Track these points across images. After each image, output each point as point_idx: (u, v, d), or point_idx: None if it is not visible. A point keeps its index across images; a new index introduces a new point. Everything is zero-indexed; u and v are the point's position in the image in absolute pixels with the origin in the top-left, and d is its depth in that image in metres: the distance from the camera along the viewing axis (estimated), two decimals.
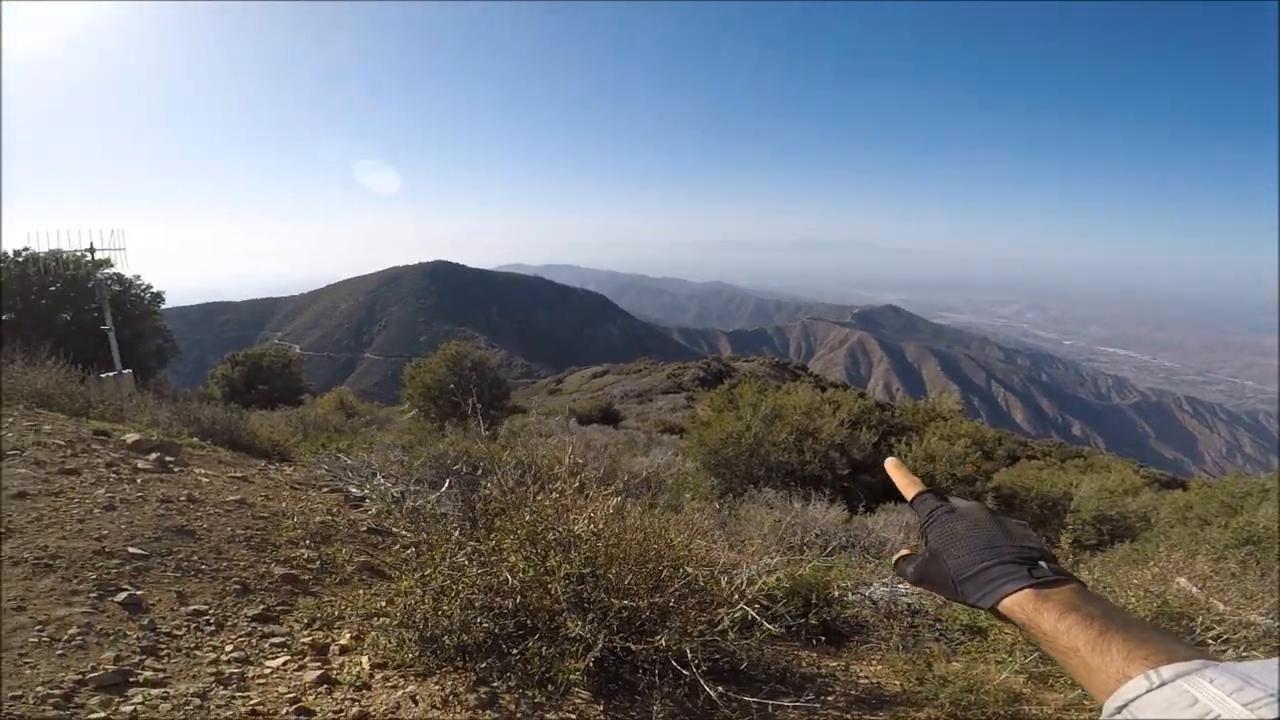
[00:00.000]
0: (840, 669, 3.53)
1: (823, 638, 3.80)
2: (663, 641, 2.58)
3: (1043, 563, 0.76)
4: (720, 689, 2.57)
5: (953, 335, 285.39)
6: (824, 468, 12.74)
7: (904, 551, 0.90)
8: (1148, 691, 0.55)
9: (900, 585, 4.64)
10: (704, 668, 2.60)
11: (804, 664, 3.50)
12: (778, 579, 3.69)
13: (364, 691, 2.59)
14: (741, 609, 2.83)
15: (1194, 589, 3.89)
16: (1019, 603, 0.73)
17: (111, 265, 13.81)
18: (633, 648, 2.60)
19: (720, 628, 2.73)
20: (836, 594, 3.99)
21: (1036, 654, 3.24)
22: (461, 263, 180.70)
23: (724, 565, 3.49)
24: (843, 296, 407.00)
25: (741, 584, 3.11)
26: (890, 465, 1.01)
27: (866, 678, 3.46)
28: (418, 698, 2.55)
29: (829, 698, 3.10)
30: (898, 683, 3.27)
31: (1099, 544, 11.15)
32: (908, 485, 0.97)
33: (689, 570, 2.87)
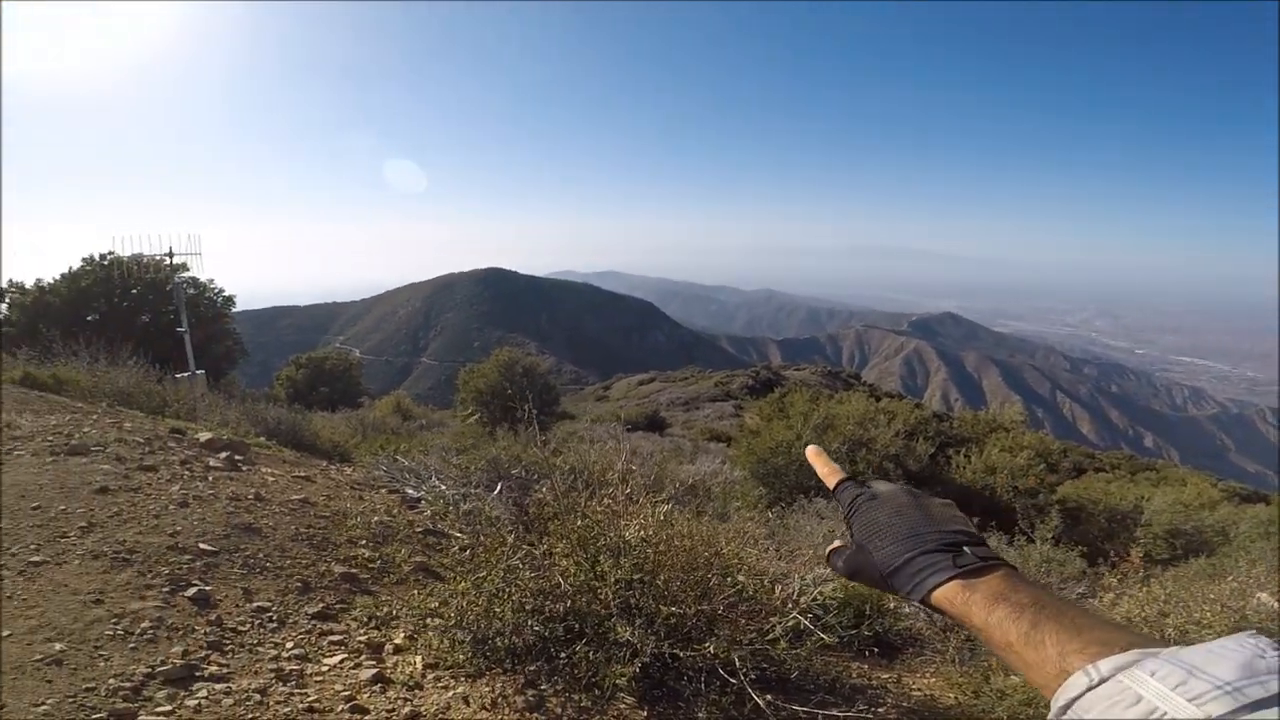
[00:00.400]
0: (892, 681, 3.46)
1: (875, 649, 3.75)
2: (711, 649, 2.57)
3: (967, 548, 0.69)
4: (768, 697, 2.53)
5: (1015, 344, 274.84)
6: (878, 478, 12.48)
7: (836, 544, 0.83)
8: (1088, 689, 0.50)
9: None
10: (751, 676, 2.58)
11: (855, 675, 3.44)
12: (832, 589, 3.63)
13: (416, 691, 2.63)
14: (794, 618, 2.80)
15: (1275, 603, 3.73)
16: (947, 595, 0.67)
17: (188, 269, 14.55)
18: (680, 654, 2.60)
19: (771, 636, 2.70)
20: (892, 605, 3.92)
21: None
22: (514, 269, 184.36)
23: (774, 575, 3.44)
24: (898, 304, 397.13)
25: (794, 593, 3.07)
26: (810, 453, 0.94)
27: (920, 690, 3.38)
28: (469, 698, 2.58)
29: (880, 709, 3.03)
30: (952, 695, 3.19)
31: (1171, 558, 10.61)
32: (829, 474, 0.90)
33: (740, 579, 2.85)
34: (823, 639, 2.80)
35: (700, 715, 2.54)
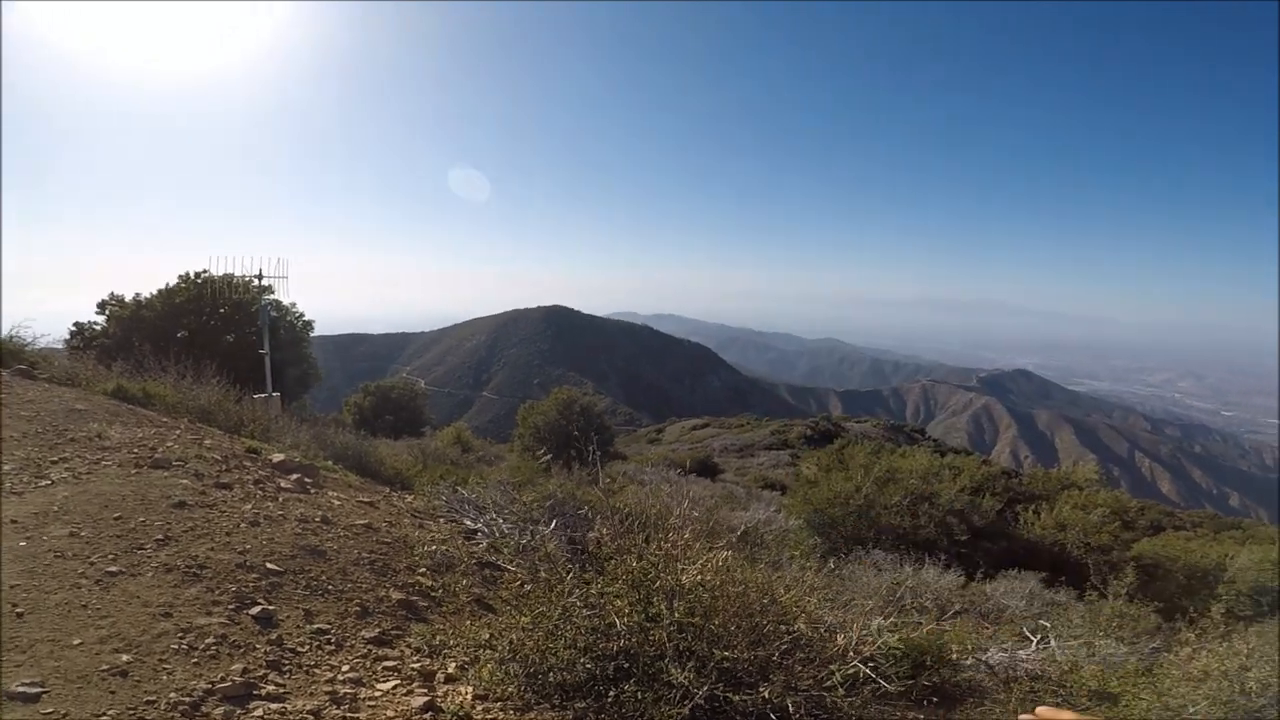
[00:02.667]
0: None
1: (934, 699, 3.59)
2: (766, 693, 2.55)
3: None
4: None
5: (1090, 403, 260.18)
6: (940, 533, 11.95)
7: None
8: None
9: (1020, 650, 4.47)
10: None
11: None
12: (891, 639, 3.56)
13: None
14: (855, 665, 2.78)
15: None
16: None
17: (274, 292, 15.32)
18: (734, 698, 2.57)
19: (829, 684, 2.68)
20: (954, 656, 3.81)
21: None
22: (575, 308, 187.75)
23: (830, 624, 3.40)
24: (969, 359, 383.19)
25: (854, 641, 3.04)
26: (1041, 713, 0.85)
27: None
28: None
29: None
30: None
31: (1256, 615, 9.86)
32: None
33: (799, 627, 2.84)
34: (885, 687, 2.76)
35: None
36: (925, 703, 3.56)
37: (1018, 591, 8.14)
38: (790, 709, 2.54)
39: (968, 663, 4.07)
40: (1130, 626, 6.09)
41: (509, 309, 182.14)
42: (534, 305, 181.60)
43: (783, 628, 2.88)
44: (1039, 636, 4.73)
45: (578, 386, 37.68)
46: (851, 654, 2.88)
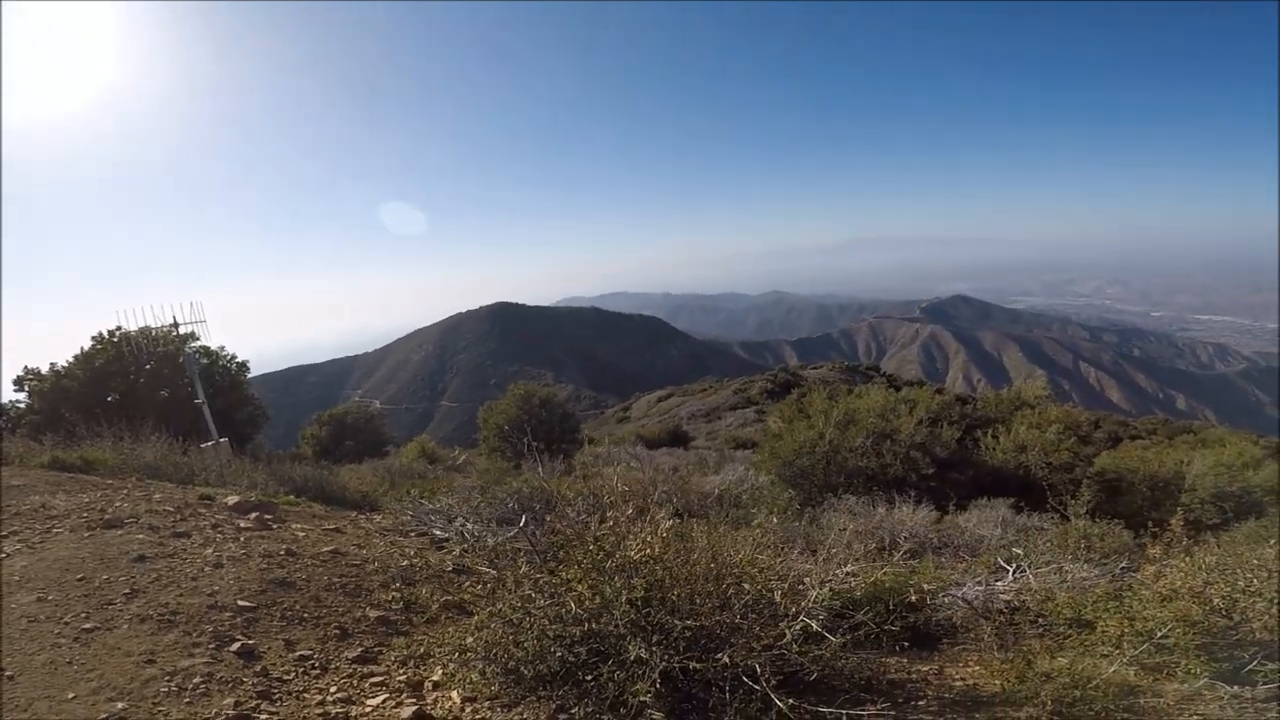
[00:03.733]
0: (933, 673, 3.41)
1: (906, 643, 3.64)
2: (727, 658, 2.59)
3: None
4: (791, 701, 2.54)
5: (1031, 319, 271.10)
6: (907, 469, 12.32)
7: None
8: None
9: (997, 581, 4.42)
10: (773, 681, 2.59)
11: (893, 670, 3.39)
12: (849, 587, 3.58)
13: None
14: (802, 621, 2.80)
15: None
16: None
17: (197, 339, 14.76)
18: (694, 666, 2.61)
19: (785, 640, 2.71)
20: (914, 598, 3.79)
21: (1148, 644, 3.05)
22: (520, 302, 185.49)
23: (795, 577, 3.40)
24: (907, 292, 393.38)
25: (810, 596, 3.05)
26: None
27: (961, 680, 3.32)
28: None
29: (920, 702, 3.00)
30: (996, 683, 3.11)
31: (1222, 523, 10.33)
32: None
33: (746, 587, 2.87)
34: (831, 640, 2.78)
35: None
36: (906, 646, 3.59)
37: (990, 520, 8.17)
38: (757, 670, 2.60)
39: (944, 600, 4.09)
40: (1099, 546, 6.18)
41: (451, 314, 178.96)
42: (477, 306, 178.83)
43: (745, 587, 2.90)
44: (1014, 566, 4.71)
45: (535, 379, 37.54)
46: (795, 609, 2.90)
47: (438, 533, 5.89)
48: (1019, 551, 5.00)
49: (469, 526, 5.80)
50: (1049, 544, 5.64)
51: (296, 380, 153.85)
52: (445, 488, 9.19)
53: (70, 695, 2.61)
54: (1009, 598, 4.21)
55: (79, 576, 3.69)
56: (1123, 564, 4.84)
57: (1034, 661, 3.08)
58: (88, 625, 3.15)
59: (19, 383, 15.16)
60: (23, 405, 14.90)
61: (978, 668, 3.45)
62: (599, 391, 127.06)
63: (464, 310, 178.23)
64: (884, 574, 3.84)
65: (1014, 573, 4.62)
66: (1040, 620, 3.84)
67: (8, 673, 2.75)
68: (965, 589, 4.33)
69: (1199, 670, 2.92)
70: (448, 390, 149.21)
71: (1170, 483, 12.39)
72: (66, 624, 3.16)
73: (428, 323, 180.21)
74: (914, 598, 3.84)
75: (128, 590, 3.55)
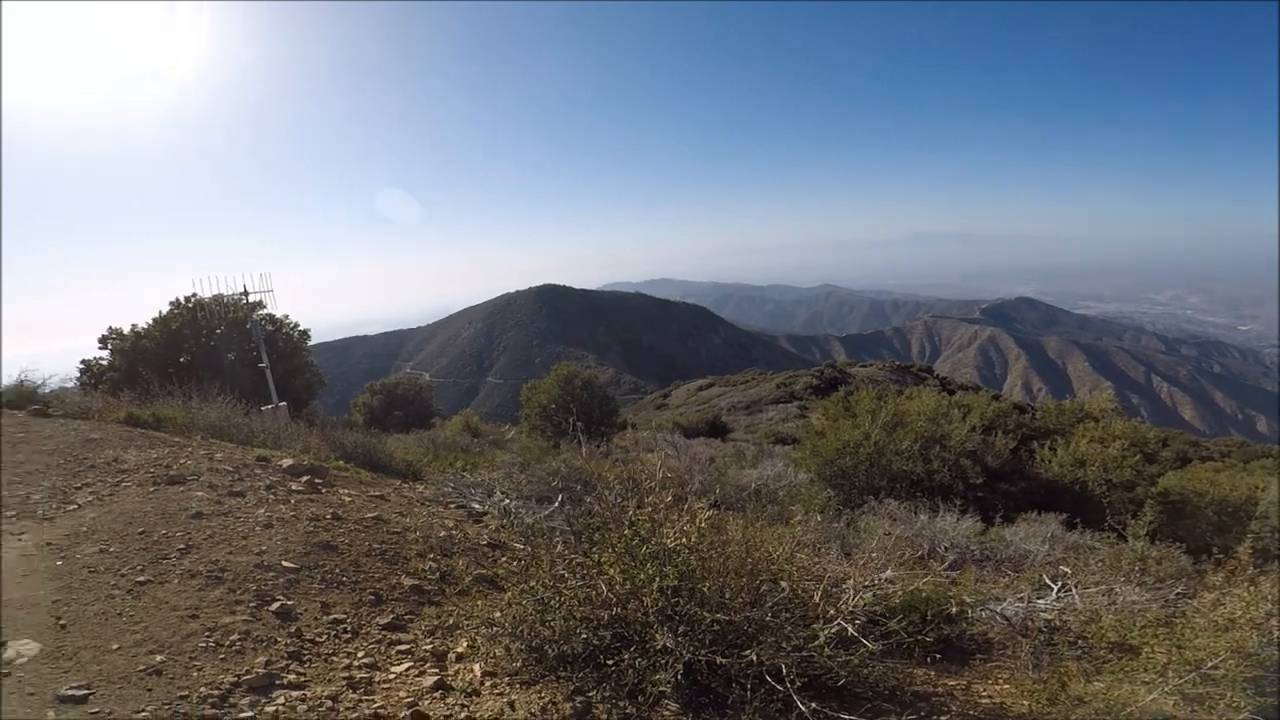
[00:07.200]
0: (960, 688, 3.33)
1: (938, 655, 3.59)
2: (754, 656, 2.58)
3: None
4: (814, 705, 2.53)
5: (1100, 326, 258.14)
6: (954, 477, 11.95)
7: None
8: None
9: (1040, 599, 4.30)
10: (798, 683, 2.57)
11: (919, 681, 3.33)
12: (886, 594, 3.54)
13: (474, 698, 2.79)
14: (838, 624, 2.77)
15: None
16: None
17: (264, 307, 15.54)
18: (720, 661, 2.61)
19: (817, 643, 2.68)
20: (955, 610, 3.73)
21: (1194, 673, 2.91)
22: (567, 285, 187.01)
23: (830, 579, 3.36)
24: (968, 291, 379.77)
25: (846, 599, 3.01)
26: None
27: (989, 697, 3.24)
28: (517, 705, 2.72)
29: (943, 717, 2.95)
30: (1025, 703, 3.03)
31: None
32: None
33: (784, 585, 2.85)
34: (868, 647, 2.74)
35: None
36: (935, 658, 3.54)
37: (1038, 535, 7.85)
38: (782, 670, 2.57)
39: (981, 614, 4.01)
40: (1154, 570, 5.82)
41: (500, 294, 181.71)
42: (525, 287, 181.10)
43: (782, 585, 2.89)
44: (1059, 584, 4.59)
45: (578, 361, 37.87)
46: (833, 612, 2.86)
47: (476, 506, 6.03)
48: (1066, 570, 4.83)
49: (507, 502, 5.93)
50: (1100, 564, 5.42)
51: (349, 350, 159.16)
52: (486, 462, 9.40)
53: (115, 646, 2.79)
54: (1050, 617, 4.08)
55: (140, 530, 3.93)
56: (1178, 590, 4.61)
57: (1069, 684, 2.98)
58: (141, 578, 3.35)
59: (103, 341, 16.14)
60: (105, 362, 15.86)
61: (1008, 686, 3.37)
62: (639, 376, 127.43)
63: (513, 290, 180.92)
64: (924, 583, 3.77)
65: (1058, 591, 4.47)
66: (1081, 642, 3.70)
67: (62, 621, 2.94)
68: (1005, 604, 4.22)
69: (1242, 704, 2.76)
70: (494, 367, 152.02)
71: (1241, 509, 11.65)
72: (123, 576, 3.37)
73: (479, 301, 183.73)
74: (954, 610, 3.77)
75: (182, 546, 3.76)
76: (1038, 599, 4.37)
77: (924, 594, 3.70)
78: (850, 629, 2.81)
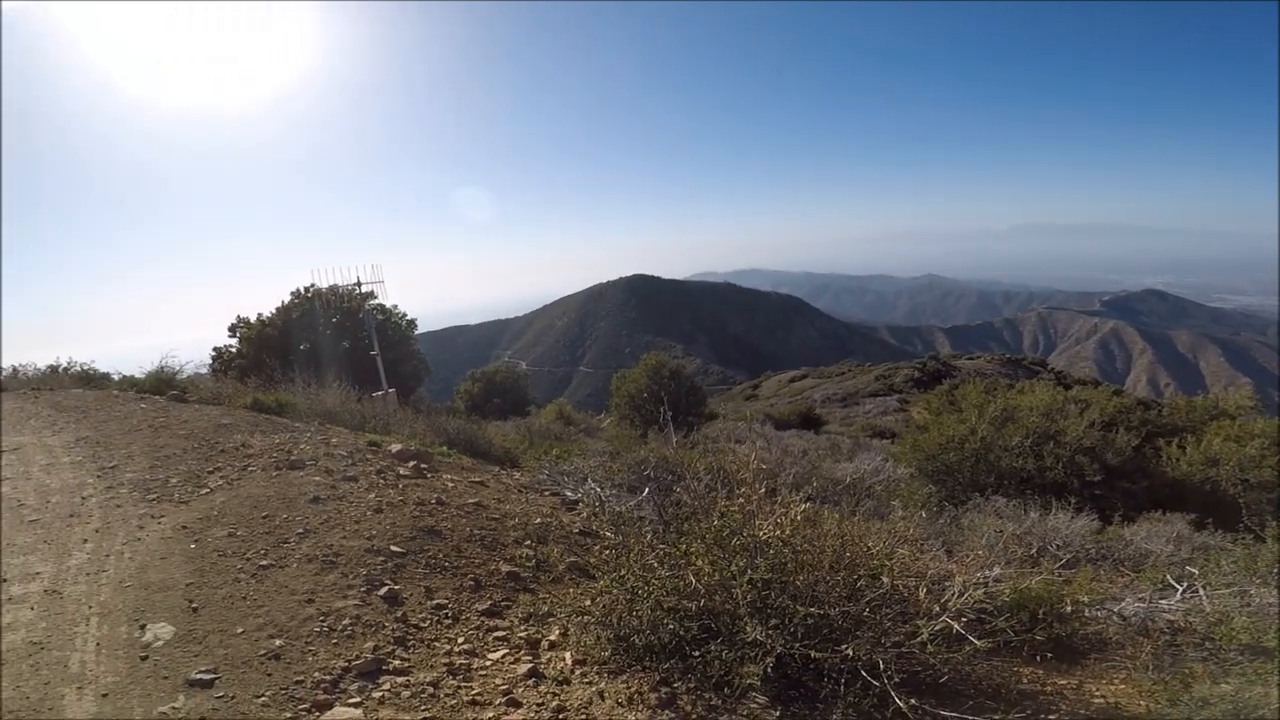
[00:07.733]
0: (1070, 687, 3.19)
1: (1048, 655, 3.45)
2: (850, 650, 2.53)
3: None
4: (912, 701, 2.45)
5: (1239, 320, 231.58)
6: (1069, 474, 11.18)
7: None
8: None
9: (1162, 599, 4.12)
10: (896, 679, 2.50)
11: (1026, 680, 3.22)
12: (993, 592, 3.44)
13: (564, 686, 2.84)
14: (943, 622, 2.68)
15: None
16: None
17: (375, 297, 16.51)
18: (814, 655, 2.56)
19: (919, 639, 2.61)
20: (1069, 609, 3.58)
21: None
22: (656, 275, 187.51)
23: (932, 576, 3.28)
24: (1088, 282, 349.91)
25: (950, 596, 2.93)
26: None
27: (1102, 697, 3.07)
28: (605, 694, 2.74)
29: (1051, 717, 2.82)
30: (1143, 704, 2.86)
31: None
32: None
33: (884, 580, 2.78)
34: (976, 645, 2.65)
35: (835, 717, 2.51)
36: (1045, 657, 3.40)
37: (1162, 535, 7.49)
38: (880, 665, 2.51)
39: (1096, 614, 3.82)
40: None
41: (592, 284, 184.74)
42: (616, 277, 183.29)
43: (881, 580, 2.83)
44: (1185, 584, 4.36)
45: (667, 351, 37.90)
46: (938, 608, 2.77)
47: (569, 494, 6.12)
48: (1193, 570, 4.54)
49: (598, 490, 5.97)
50: (1234, 564, 5.04)
51: (452, 339, 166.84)
52: (578, 450, 9.54)
53: (239, 630, 3.00)
54: (1173, 617, 3.88)
55: (264, 514, 4.23)
56: None
57: (1193, 685, 2.78)
58: (264, 562, 3.60)
59: (232, 329, 17.66)
60: (234, 349, 17.35)
61: (1124, 686, 3.21)
62: (728, 367, 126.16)
63: (605, 281, 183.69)
64: (1035, 582, 3.66)
65: (1184, 591, 4.23)
66: (1208, 644, 3.46)
67: (194, 605, 3.20)
68: (1123, 604, 4.03)
69: None
70: (586, 356, 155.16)
71: None
72: (248, 559, 3.64)
73: (572, 291, 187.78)
74: (1068, 608, 3.64)
75: (301, 530, 4.01)
76: (1160, 599, 4.17)
77: (1034, 592, 3.59)
78: (956, 626, 2.73)
